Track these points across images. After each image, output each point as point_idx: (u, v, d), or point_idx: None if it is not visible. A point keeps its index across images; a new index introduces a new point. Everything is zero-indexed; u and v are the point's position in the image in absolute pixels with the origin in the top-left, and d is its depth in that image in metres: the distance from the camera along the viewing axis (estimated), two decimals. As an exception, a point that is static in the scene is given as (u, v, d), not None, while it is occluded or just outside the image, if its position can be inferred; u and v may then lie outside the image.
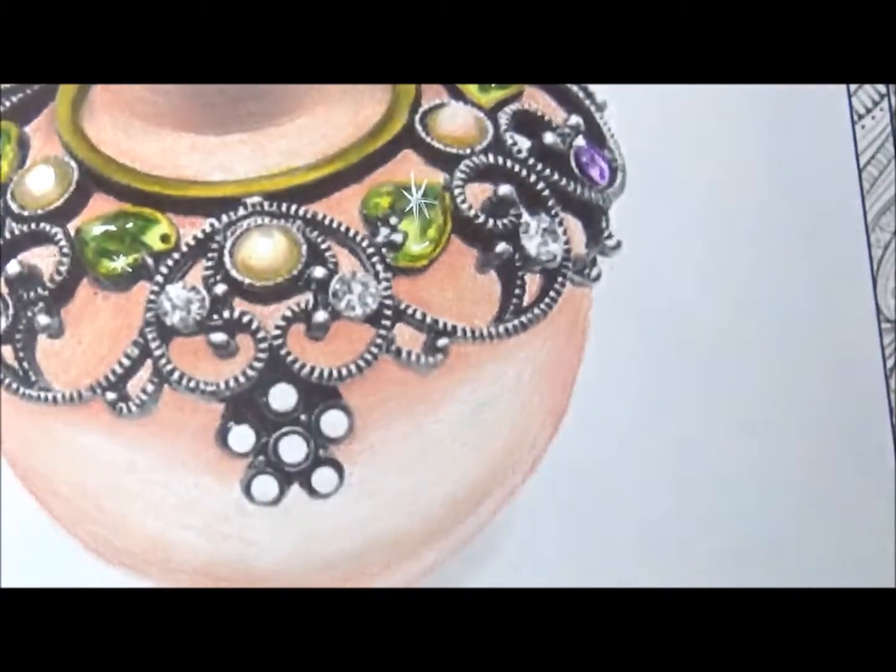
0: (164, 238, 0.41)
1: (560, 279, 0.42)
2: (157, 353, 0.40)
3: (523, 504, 0.41)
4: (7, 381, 0.40)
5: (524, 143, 0.43)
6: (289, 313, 0.40)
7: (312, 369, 0.40)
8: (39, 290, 0.40)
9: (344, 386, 0.40)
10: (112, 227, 0.41)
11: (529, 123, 0.43)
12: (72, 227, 0.41)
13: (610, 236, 0.43)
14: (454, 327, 0.41)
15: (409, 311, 0.41)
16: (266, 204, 0.41)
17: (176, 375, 0.40)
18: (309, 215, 0.41)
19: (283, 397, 0.40)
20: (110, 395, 0.40)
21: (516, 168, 0.42)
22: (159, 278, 0.40)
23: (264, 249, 0.40)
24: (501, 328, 0.41)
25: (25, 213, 0.41)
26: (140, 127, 0.42)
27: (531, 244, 0.42)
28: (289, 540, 0.40)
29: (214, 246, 0.40)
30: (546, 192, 0.42)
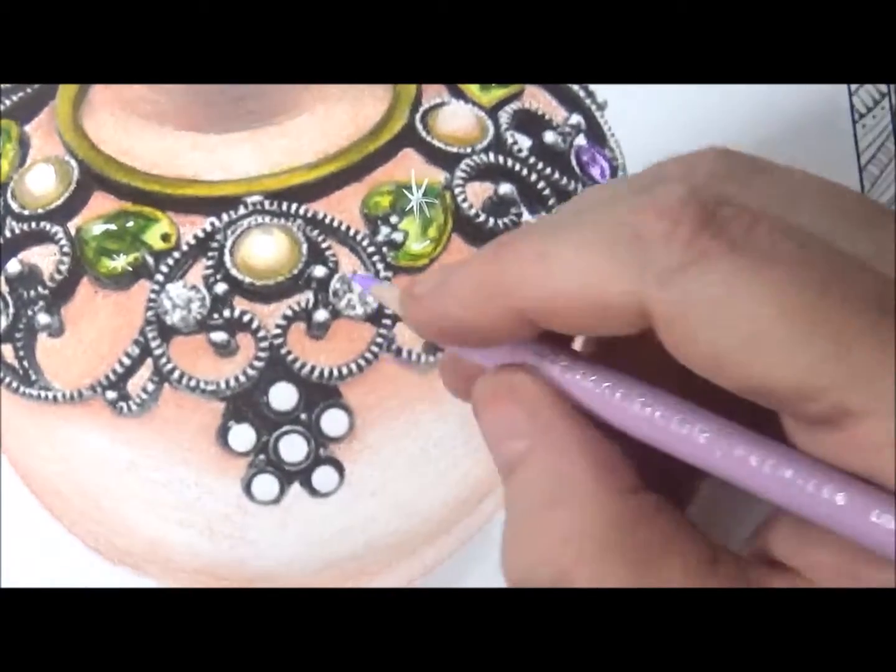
0: (165, 237, 0.41)
1: (560, 278, 0.42)
2: (158, 352, 0.40)
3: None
4: (7, 379, 0.40)
5: (525, 142, 0.43)
6: (289, 312, 0.40)
7: (313, 368, 0.40)
8: (40, 289, 0.40)
9: (344, 385, 0.40)
10: (112, 226, 0.41)
11: (530, 122, 0.43)
12: (72, 226, 0.41)
13: (610, 235, 0.43)
14: (455, 326, 0.41)
15: (410, 310, 0.41)
16: (266, 203, 0.41)
17: (176, 374, 0.40)
18: (309, 214, 0.41)
19: (283, 396, 0.40)
20: (110, 394, 0.40)
21: (517, 167, 0.42)
22: (160, 277, 0.40)
23: (265, 248, 0.41)
24: (502, 327, 0.41)
25: (26, 212, 0.41)
26: (140, 126, 0.42)
27: (531, 243, 0.42)
28: (289, 539, 0.40)
29: (215, 245, 0.41)
30: (547, 191, 0.42)
